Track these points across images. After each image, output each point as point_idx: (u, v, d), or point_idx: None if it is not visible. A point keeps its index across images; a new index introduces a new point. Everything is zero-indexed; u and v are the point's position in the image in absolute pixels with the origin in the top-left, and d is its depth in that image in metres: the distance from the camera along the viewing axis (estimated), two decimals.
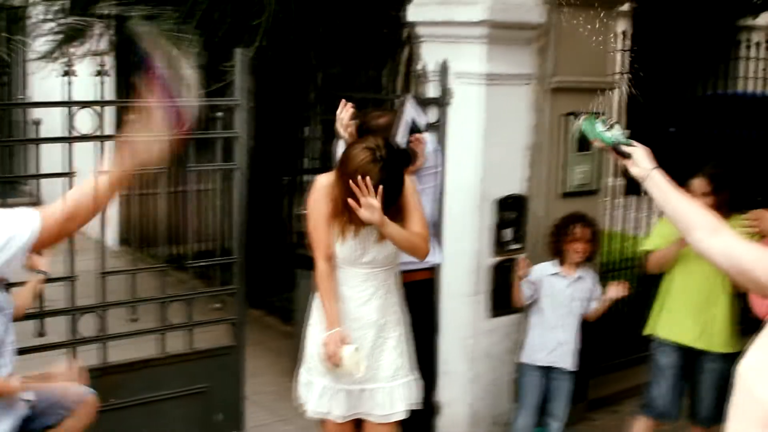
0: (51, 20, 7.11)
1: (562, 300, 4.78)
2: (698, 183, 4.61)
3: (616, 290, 4.83)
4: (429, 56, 5.08)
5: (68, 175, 3.95)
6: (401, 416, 3.88)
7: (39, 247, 2.63)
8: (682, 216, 2.72)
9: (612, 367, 6.30)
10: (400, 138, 3.87)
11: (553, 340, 4.79)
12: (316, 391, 3.81)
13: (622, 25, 6.74)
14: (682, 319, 4.68)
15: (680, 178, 4.75)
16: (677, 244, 4.54)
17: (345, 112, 4.08)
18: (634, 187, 7.19)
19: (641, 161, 2.89)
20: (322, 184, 3.81)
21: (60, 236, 2.65)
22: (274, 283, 7.54)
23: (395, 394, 3.84)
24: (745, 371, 2.31)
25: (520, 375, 4.93)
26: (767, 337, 2.33)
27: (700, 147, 7.19)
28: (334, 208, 3.74)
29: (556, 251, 4.84)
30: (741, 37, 7.58)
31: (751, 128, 7.88)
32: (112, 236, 8.57)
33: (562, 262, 4.81)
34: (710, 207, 4.50)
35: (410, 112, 3.94)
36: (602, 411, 5.92)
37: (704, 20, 8.41)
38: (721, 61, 7.39)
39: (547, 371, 4.83)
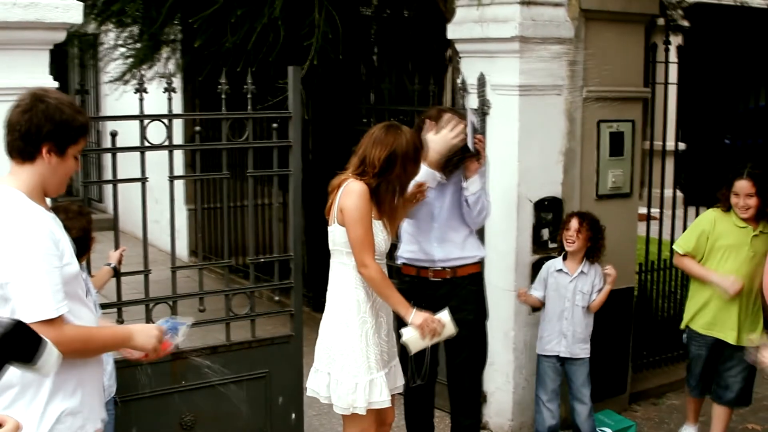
0: (122, 46, 7.60)
1: (565, 294, 5.04)
2: (742, 184, 4.87)
3: (609, 270, 5.06)
4: (468, 70, 5.42)
5: (142, 180, 4.37)
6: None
7: None
8: None
9: (655, 362, 6.55)
10: (470, 141, 4.31)
11: (558, 331, 5.06)
12: (378, 383, 3.89)
13: (675, 39, 6.95)
14: (721, 317, 5.00)
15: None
16: (703, 273, 5.00)
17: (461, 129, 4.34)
18: (692, 199, 7.34)
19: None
20: (362, 188, 3.86)
21: None
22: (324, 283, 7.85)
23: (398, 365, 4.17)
24: None
25: (538, 364, 5.20)
26: None
27: (754, 157, 7.30)
28: (392, 203, 3.99)
29: (561, 247, 5.13)
30: None
31: None
32: (182, 248, 9.01)
33: (566, 258, 5.10)
34: (755, 206, 4.83)
35: (471, 118, 4.36)
36: (643, 403, 6.16)
37: (756, 33, 8.58)
38: None
39: (561, 360, 5.10)
